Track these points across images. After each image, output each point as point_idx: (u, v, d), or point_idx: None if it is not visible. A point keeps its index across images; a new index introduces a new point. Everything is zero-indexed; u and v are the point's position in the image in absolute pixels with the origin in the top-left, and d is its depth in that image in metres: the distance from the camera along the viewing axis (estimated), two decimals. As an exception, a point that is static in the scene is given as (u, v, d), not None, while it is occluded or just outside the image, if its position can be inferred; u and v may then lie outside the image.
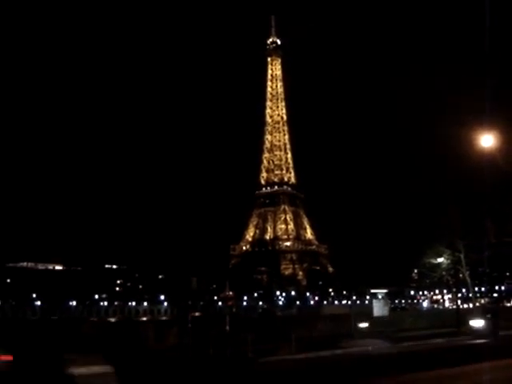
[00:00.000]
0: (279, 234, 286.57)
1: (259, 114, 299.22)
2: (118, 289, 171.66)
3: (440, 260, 62.48)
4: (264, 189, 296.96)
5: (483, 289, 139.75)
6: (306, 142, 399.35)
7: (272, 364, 26.78)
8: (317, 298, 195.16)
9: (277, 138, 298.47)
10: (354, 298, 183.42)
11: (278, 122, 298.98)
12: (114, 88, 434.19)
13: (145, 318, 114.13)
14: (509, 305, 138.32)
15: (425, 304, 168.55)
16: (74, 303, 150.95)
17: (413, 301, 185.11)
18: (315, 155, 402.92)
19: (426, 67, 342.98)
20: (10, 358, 22.37)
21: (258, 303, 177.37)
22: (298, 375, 22.56)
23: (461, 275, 62.58)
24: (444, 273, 65.58)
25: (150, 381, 22.40)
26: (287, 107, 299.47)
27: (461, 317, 53.39)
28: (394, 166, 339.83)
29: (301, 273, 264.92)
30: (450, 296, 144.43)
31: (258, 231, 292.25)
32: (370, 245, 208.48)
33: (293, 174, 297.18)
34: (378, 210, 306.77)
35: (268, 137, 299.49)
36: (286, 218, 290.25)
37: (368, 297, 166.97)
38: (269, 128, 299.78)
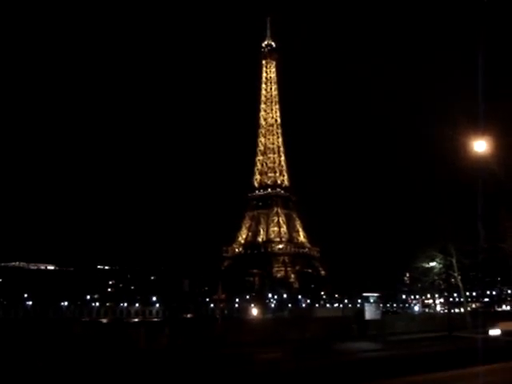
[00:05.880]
0: (272, 236, 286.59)
1: (253, 117, 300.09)
2: (109, 289, 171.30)
3: (432, 264, 62.48)
4: (257, 191, 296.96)
5: (474, 293, 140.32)
6: (300, 145, 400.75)
7: (268, 365, 26.72)
8: (309, 301, 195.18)
9: (270, 141, 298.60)
10: (346, 301, 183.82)
11: (272, 125, 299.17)
12: (112, 90, 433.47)
13: (136, 319, 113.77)
14: (500, 309, 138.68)
15: (416, 308, 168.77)
16: (66, 303, 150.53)
17: (404, 304, 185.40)
18: (308, 158, 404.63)
19: (420, 68, 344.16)
20: None
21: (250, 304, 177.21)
22: (292, 377, 22.55)
23: (452, 280, 62.59)
24: (436, 277, 65.57)
25: (143, 381, 22.35)
26: (281, 110, 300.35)
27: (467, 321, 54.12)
28: (387, 170, 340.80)
29: (293, 275, 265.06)
30: (441, 300, 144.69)
31: (250, 233, 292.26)
32: (362, 248, 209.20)
33: (286, 177, 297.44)
34: (370, 213, 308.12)
35: (262, 139, 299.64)
36: (278, 221, 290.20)
37: (360, 300, 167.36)
38: (263, 131, 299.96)
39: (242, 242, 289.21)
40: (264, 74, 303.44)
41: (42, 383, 20.99)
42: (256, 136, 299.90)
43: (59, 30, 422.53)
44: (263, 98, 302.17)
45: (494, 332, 38.80)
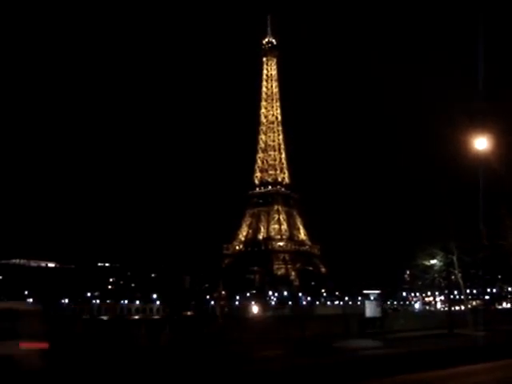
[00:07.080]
0: (272, 233, 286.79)
1: (254, 114, 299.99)
2: (110, 287, 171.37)
3: (433, 262, 62.33)
4: (258, 189, 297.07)
5: (475, 291, 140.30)
6: (301, 143, 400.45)
7: (268, 363, 26.73)
8: (309, 299, 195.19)
9: (271, 138, 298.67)
10: (347, 298, 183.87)
11: (273, 122, 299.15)
12: (111, 89, 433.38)
13: (137, 317, 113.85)
14: (500, 307, 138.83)
15: (417, 305, 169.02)
16: (67, 301, 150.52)
17: (405, 302, 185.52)
18: (309, 156, 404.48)
19: (421, 66, 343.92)
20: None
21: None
22: (291, 376, 22.56)
23: (453, 277, 62.49)
24: (436, 275, 65.43)
25: (143, 379, 22.38)
26: (282, 107, 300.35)
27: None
28: (388, 167, 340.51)
29: (293, 273, 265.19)
30: (441, 298, 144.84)
31: (251, 231, 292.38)
32: (363, 246, 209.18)
33: (287, 175, 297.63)
34: (371, 210, 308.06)
35: (262, 137, 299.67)
36: (279, 218, 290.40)
37: (360, 298, 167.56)
38: (263, 128, 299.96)
39: (243, 239, 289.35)
40: (265, 72, 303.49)
41: (43, 383, 21.00)
42: (256, 133, 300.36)
43: (59, 29, 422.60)
44: (264, 96, 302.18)
45: None
